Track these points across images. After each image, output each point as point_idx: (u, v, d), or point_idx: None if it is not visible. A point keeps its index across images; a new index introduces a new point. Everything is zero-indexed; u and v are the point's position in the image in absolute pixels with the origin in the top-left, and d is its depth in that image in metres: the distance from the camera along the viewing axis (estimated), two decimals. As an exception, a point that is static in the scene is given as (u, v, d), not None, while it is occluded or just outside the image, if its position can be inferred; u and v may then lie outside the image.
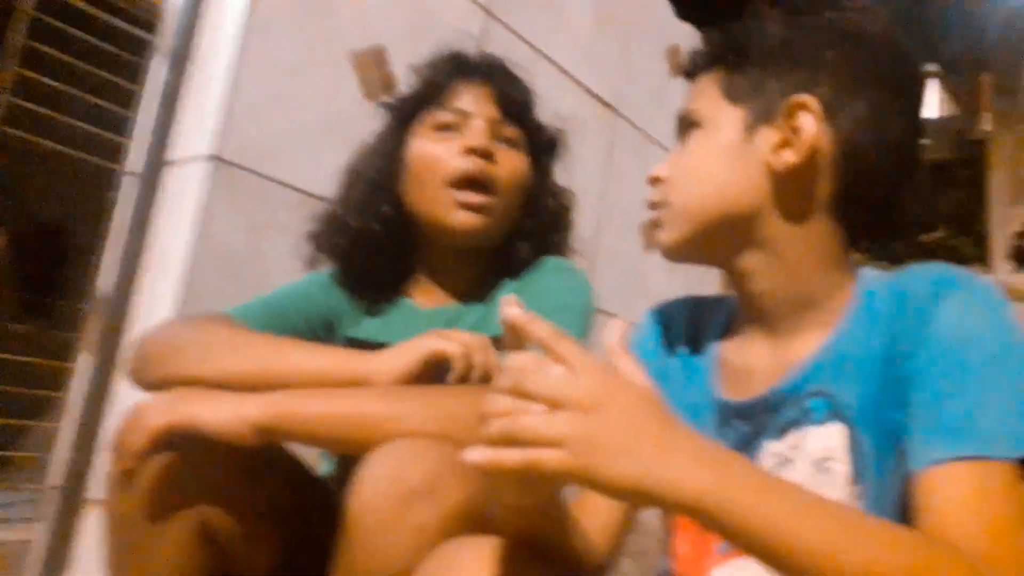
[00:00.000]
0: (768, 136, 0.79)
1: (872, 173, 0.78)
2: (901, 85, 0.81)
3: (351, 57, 1.80)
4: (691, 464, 0.56)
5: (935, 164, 9.20)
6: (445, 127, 1.16)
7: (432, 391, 0.88)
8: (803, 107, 0.77)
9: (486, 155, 1.13)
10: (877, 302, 0.77)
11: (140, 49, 1.81)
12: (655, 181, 0.87)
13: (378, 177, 1.21)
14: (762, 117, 0.80)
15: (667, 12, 2.94)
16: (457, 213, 1.12)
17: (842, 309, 0.79)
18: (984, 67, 8.38)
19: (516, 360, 0.60)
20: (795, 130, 0.77)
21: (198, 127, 1.61)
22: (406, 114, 1.22)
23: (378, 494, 0.76)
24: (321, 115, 1.74)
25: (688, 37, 2.98)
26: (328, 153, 1.73)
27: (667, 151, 2.81)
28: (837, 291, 0.80)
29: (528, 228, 1.20)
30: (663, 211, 0.85)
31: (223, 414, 0.83)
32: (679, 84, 2.91)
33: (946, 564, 0.57)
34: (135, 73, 1.76)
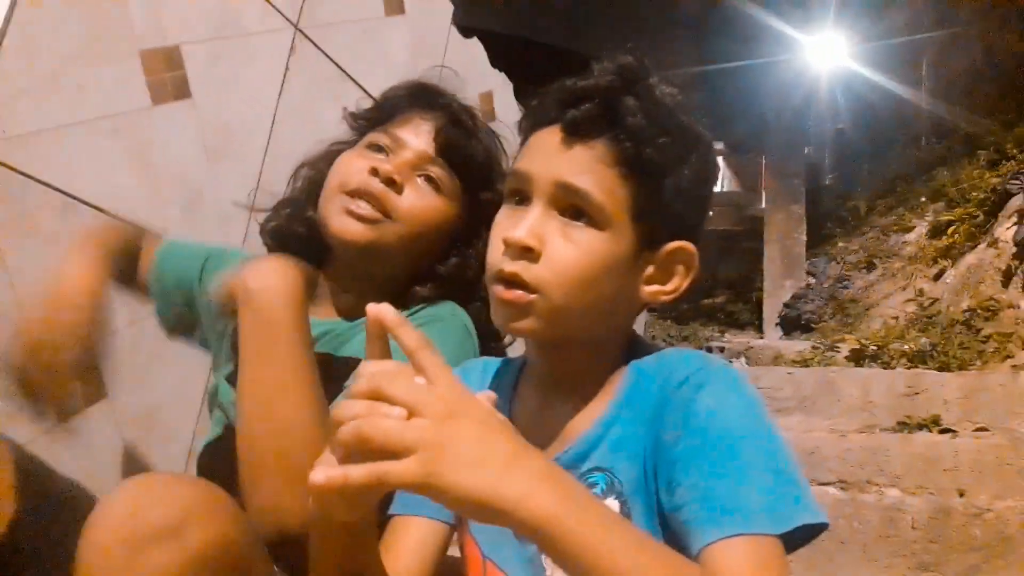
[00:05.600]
0: (647, 264, 0.81)
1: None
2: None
3: (140, 55, 1.64)
4: (537, 483, 0.58)
5: (719, 234, 9.96)
6: (377, 147, 1.17)
7: None
8: (684, 254, 0.81)
9: (388, 182, 1.12)
10: (644, 383, 0.80)
11: None
12: (523, 250, 0.77)
13: (315, 180, 1.22)
14: (648, 246, 0.80)
15: (483, 57, 2.97)
16: (342, 218, 1.12)
17: (617, 386, 0.81)
18: (762, 150, 9.22)
19: (375, 365, 0.61)
20: (669, 273, 0.81)
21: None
22: (360, 128, 1.25)
23: (110, 536, 0.68)
24: (101, 114, 1.57)
25: (501, 84, 3.02)
26: (107, 156, 1.58)
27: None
28: (617, 369, 0.83)
29: (435, 274, 1.18)
30: (535, 299, 0.77)
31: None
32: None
33: None
34: None
